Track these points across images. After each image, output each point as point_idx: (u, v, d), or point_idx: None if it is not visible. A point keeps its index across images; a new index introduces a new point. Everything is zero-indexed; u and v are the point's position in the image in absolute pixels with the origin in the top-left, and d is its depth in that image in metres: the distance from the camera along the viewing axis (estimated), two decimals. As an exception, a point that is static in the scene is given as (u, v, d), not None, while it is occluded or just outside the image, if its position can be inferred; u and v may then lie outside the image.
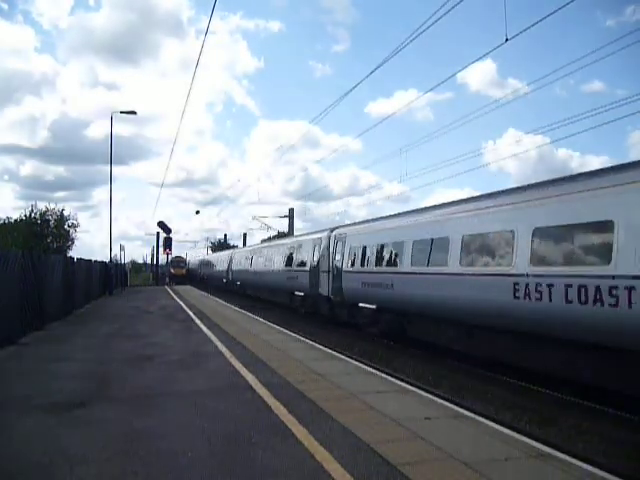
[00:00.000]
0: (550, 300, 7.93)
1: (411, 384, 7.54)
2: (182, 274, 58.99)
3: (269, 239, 46.04)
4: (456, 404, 6.36)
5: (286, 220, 41.13)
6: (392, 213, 15.04)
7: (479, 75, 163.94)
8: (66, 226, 44.77)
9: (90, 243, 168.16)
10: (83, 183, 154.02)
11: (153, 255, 54.97)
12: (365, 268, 14.87)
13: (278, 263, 25.04)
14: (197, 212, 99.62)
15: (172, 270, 57.39)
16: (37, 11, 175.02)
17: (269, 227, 46.78)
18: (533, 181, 9.89)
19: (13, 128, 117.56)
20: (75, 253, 48.25)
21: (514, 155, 75.28)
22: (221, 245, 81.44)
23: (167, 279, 52.08)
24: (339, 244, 17.09)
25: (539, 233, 8.47)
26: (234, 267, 37.34)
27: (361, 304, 14.88)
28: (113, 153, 30.81)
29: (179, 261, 62.91)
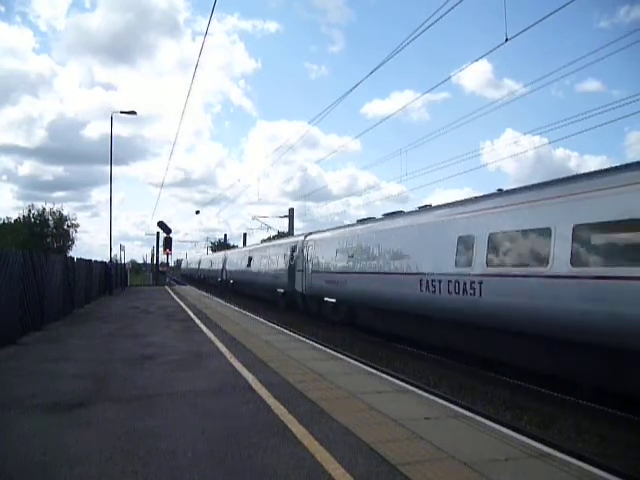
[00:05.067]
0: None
1: (411, 384, 7.54)
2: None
3: (268, 239, 46.18)
4: (456, 404, 6.37)
5: (286, 220, 41.14)
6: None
7: (475, 76, 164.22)
8: (65, 226, 44.76)
9: (90, 243, 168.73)
10: (81, 183, 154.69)
11: (153, 255, 55.14)
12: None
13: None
14: (197, 212, 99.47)
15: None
16: (34, 13, 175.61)
17: (269, 227, 46.89)
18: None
19: (11, 128, 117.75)
20: (75, 253, 48.32)
21: (513, 155, 74.96)
22: (221, 245, 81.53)
23: (167, 279, 52.32)
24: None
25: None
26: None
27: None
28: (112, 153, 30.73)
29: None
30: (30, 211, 42.98)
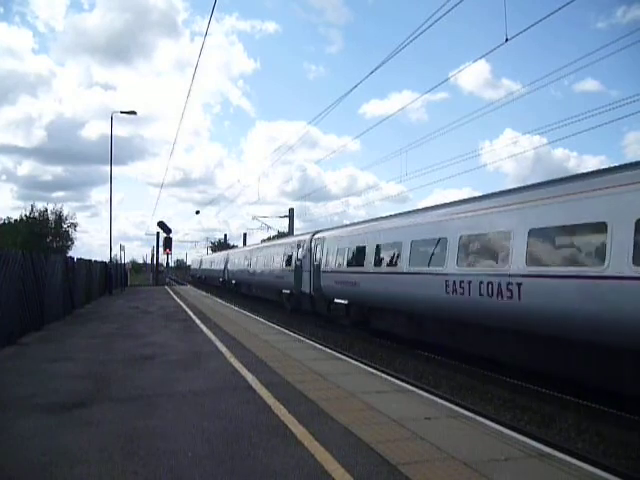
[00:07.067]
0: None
1: (411, 384, 7.54)
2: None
3: (268, 239, 46.04)
4: (456, 404, 6.36)
5: (285, 220, 41.12)
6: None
7: (473, 76, 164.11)
8: (65, 226, 44.83)
9: (89, 243, 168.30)
10: (81, 183, 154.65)
11: (153, 255, 55.14)
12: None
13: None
14: (197, 212, 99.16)
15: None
16: (32, 13, 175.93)
17: (269, 227, 46.75)
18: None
19: (10, 128, 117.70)
20: (74, 253, 48.38)
21: (512, 155, 75.04)
22: (221, 245, 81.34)
23: (167, 279, 52.47)
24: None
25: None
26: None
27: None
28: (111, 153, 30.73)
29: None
30: (32, 211, 43.07)
